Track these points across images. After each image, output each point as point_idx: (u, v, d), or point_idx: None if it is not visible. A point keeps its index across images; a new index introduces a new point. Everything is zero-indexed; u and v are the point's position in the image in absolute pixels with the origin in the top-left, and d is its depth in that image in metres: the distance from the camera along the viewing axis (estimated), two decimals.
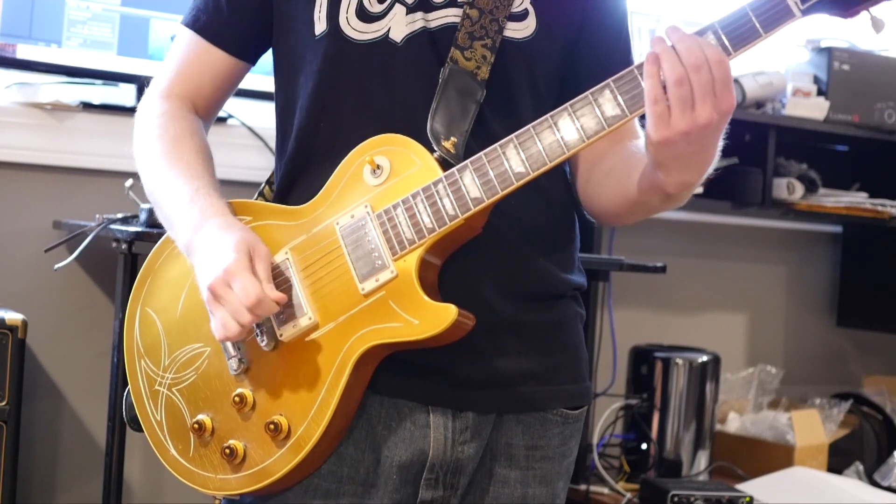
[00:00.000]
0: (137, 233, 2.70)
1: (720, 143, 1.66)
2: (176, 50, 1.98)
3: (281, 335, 1.75)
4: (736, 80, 3.36)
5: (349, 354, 1.70)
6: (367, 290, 1.71)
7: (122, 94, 3.22)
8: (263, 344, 1.76)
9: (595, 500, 3.47)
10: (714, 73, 1.58)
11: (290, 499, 1.80)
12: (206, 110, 1.99)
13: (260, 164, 3.29)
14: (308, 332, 1.73)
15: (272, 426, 1.73)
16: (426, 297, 1.68)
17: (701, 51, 1.58)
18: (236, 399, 1.77)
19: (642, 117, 1.66)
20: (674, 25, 1.62)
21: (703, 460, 3.62)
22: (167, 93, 1.95)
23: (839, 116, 3.88)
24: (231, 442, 1.77)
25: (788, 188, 3.84)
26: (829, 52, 3.88)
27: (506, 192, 1.67)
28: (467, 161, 1.69)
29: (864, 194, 4.05)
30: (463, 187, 1.68)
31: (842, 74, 3.86)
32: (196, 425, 1.80)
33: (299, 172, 1.88)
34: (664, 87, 1.59)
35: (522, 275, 1.84)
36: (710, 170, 1.69)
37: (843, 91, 3.87)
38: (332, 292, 1.73)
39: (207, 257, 1.71)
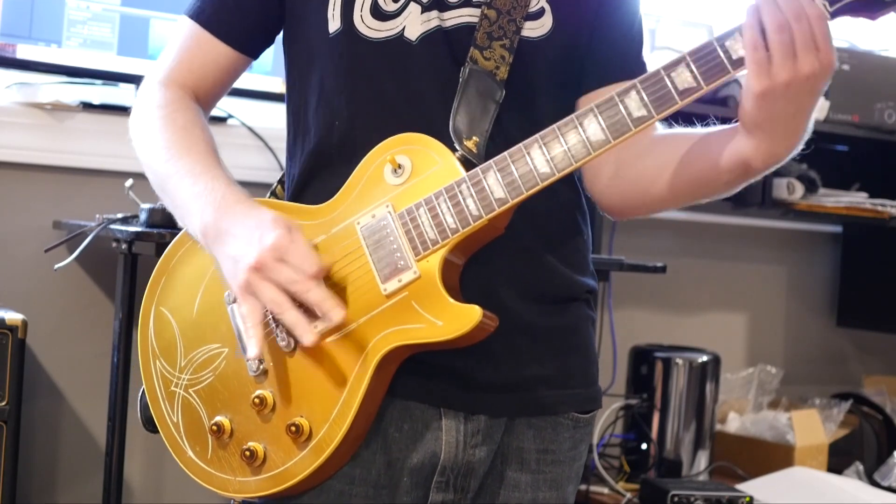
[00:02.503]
0: (137, 233, 2.68)
1: (813, 115, 1.64)
2: (177, 40, 1.95)
3: None
4: (735, 80, 3.37)
5: (371, 355, 1.69)
6: (390, 290, 1.69)
7: (122, 94, 3.20)
8: (283, 345, 1.74)
9: (595, 500, 3.48)
10: (814, 26, 1.55)
11: (304, 500, 1.79)
12: (205, 102, 1.97)
13: (260, 164, 3.29)
14: (329, 333, 1.71)
15: (293, 428, 1.71)
16: (450, 298, 1.67)
17: (800, 4, 1.55)
18: (256, 401, 1.75)
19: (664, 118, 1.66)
20: None
21: (703, 460, 3.62)
22: (168, 81, 1.92)
23: (839, 116, 3.87)
24: (251, 444, 1.75)
25: (788, 188, 3.83)
26: None
27: (530, 192, 1.66)
28: (491, 161, 1.68)
29: (864, 194, 4.05)
30: (487, 187, 1.67)
31: (842, 74, 3.85)
32: (215, 427, 1.78)
33: (313, 172, 1.86)
34: (764, 36, 1.56)
35: (537, 276, 1.83)
36: (801, 144, 1.66)
37: (843, 91, 3.86)
38: (354, 293, 1.71)
39: (243, 236, 1.68)
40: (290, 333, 1.73)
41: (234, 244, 1.69)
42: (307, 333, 1.65)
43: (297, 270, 1.64)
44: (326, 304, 1.65)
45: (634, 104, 1.63)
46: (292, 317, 1.65)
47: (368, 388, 1.69)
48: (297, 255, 1.64)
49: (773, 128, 1.62)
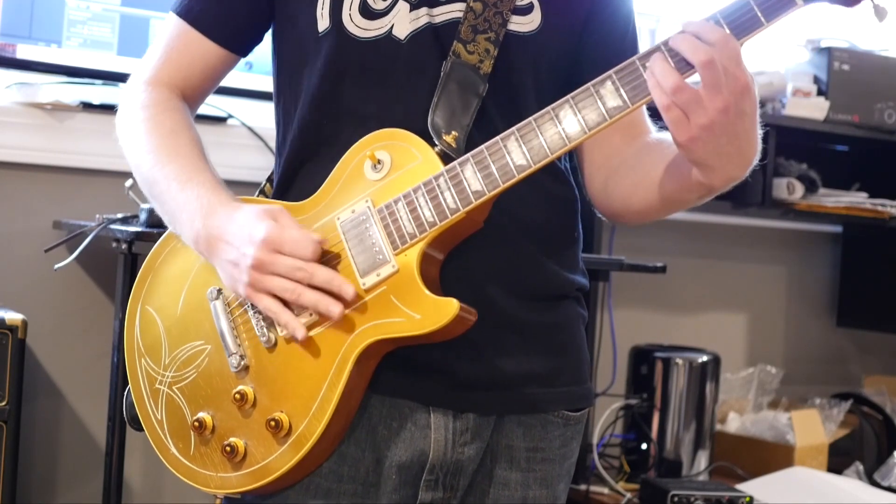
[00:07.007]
0: (137, 233, 2.69)
1: (759, 130, 1.63)
2: (164, 38, 1.94)
3: (282, 331, 1.74)
4: None
5: (350, 350, 1.69)
6: (369, 284, 1.70)
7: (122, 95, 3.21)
8: (264, 340, 1.75)
9: (595, 500, 3.47)
10: (720, 56, 1.55)
11: (291, 497, 1.79)
12: (192, 100, 1.97)
13: (260, 164, 3.29)
14: (309, 328, 1.71)
15: (273, 423, 1.72)
16: (428, 292, 1.67)
17: (702, 45, 1.56)
18: (237, 396, 1.75)
19: (654, 114, 1.66)
20: (688, 21, 1.60)
21: (703, 460, 3.62)
22: (155, 80, 1.92)
23: (839, 116, 3.87)
24: (232, 440, 1.76)
25: (788, 188, 3.83)
26: (829, 52, 3.87)
27: (507, 184, 1.66)
28: (468, 154, 1.68)
29: (864, 194, 4.05)
30: (464, 180, 1.67)
31: (842, 74, 3.85)
32: (196, 423, 1.79)
33: (299, 169, 1.86)
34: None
35: (525, 273, 1.83)
36: (756, 160, 1.65)
37: (843, 91, 3.86)
38: None
39: (235, 239, 1.69)
40: (271, 329, 1.75)
41: (228, 249, 1.71)
42: (332, 306, 1.67)
43: (295, 258, 1.65)
44: (335, 281, 1.67)
45: (610, 94, 1.63)
46: (311, 297, 1.67)
47: (348, 382, 1.69)
48: (290, 243, 1.66)
49: (717, 160, 1.62)
